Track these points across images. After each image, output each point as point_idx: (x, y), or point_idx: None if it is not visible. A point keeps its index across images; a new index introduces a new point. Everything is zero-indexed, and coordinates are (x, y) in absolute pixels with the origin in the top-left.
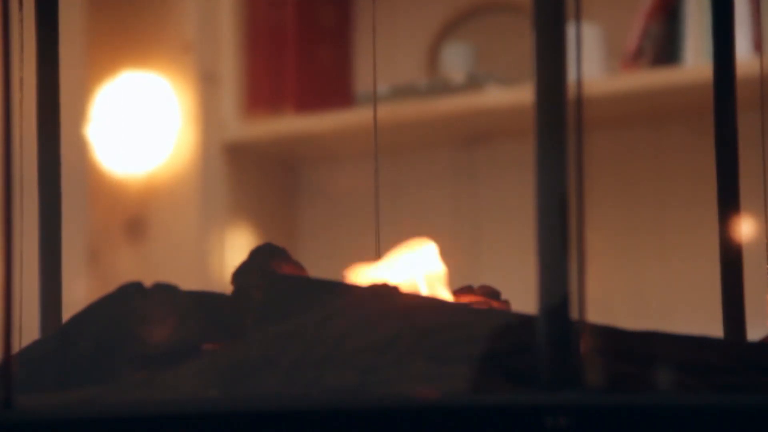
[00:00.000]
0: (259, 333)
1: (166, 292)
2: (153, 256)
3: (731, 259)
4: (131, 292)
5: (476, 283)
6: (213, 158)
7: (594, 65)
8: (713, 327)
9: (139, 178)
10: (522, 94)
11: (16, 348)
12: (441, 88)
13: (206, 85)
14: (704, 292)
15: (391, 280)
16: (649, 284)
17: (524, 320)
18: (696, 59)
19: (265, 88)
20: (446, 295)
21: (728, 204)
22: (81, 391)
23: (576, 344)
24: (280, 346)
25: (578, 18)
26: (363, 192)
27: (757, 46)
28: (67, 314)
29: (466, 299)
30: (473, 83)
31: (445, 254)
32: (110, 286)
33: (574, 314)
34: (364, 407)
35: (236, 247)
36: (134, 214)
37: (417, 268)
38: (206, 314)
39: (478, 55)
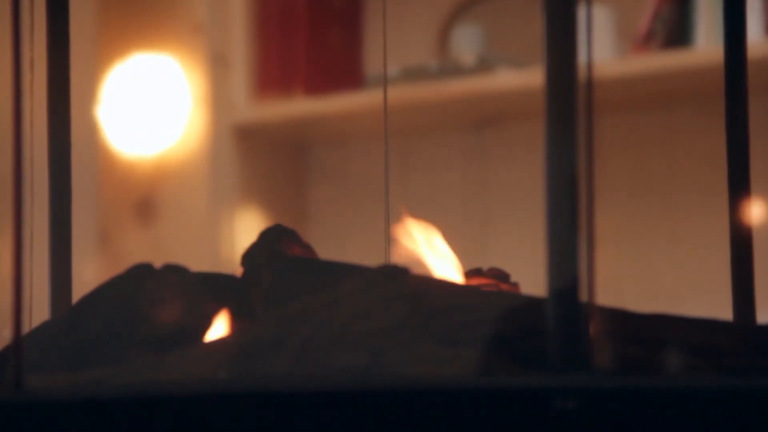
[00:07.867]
0: (269, 314)
1: (175, 273)
2: (163, 237)
3: (741, 242)
4: (141, 273)
5: (486, 266)
6: (223, 140)
7: (605, 47)
8: (723, 310)
9: (149, 159)
10: (532, 77)
11: (26, 329)
12: (451, 70)
13: (217, 66)
14: (714, 275)
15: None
16: (659, 267)
17: (533, 303)
18: (707, 42)
19: (276, 70)
20: (457, 278)
21: (738, 187)
22: (90, 372)
23: (585, 327)
24: (290, 328)
25: (589, 0)
26: (373, 174)
27: None
28: (77, 295)
29: (475, 282)
30: (484, 65)
31: (455, 237)
32: (120, 268)
33: (583, 297)
34: (374, 389)
35: (246, 229)
36: (144, 195)
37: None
38: (216, 296)
39: (489, 38)
